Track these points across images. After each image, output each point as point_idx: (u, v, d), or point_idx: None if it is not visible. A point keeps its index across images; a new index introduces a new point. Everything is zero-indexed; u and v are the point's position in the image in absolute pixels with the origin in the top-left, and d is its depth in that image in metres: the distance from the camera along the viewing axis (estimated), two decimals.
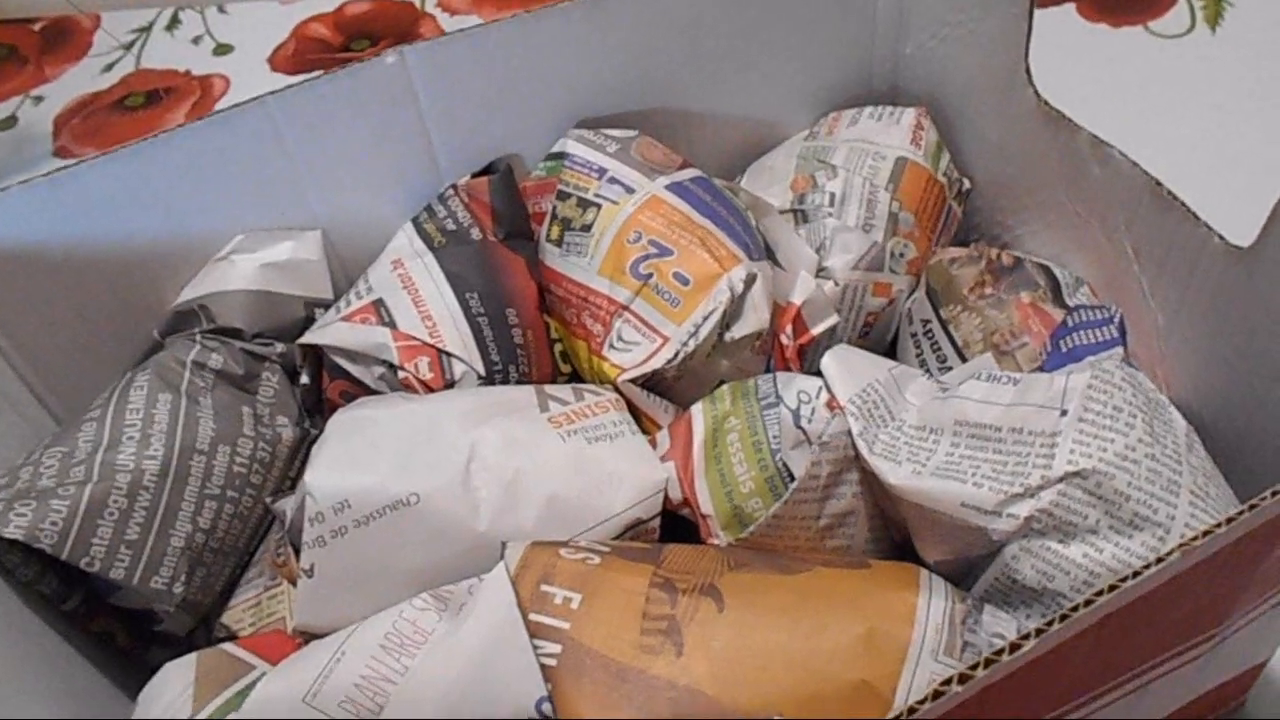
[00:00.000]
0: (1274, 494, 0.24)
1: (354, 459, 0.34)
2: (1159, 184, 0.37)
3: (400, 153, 0.44)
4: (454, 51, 0.42)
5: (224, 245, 0.43)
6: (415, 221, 0.44)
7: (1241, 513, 0.24)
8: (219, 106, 0.76)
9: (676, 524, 0.36)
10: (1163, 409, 0.33)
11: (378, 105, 0.42)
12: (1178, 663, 0.30)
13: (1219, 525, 0.24)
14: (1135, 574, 0.23)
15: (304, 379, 0.42)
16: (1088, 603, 0.23)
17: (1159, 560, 0.24)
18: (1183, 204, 0.36)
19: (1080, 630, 0.23)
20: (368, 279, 0.43)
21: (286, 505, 0.36)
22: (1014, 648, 0.23)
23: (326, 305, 0.44)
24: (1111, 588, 0.23)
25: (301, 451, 0.42)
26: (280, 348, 0.43)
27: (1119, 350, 0.35)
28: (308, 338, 0.41)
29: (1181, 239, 0.37)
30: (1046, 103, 0.42)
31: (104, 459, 0.36)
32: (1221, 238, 0.35)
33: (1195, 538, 0.24)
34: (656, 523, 0.36)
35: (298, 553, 0.34)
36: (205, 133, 0.41)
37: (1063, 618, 0.23)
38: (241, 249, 0.43)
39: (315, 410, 0.43)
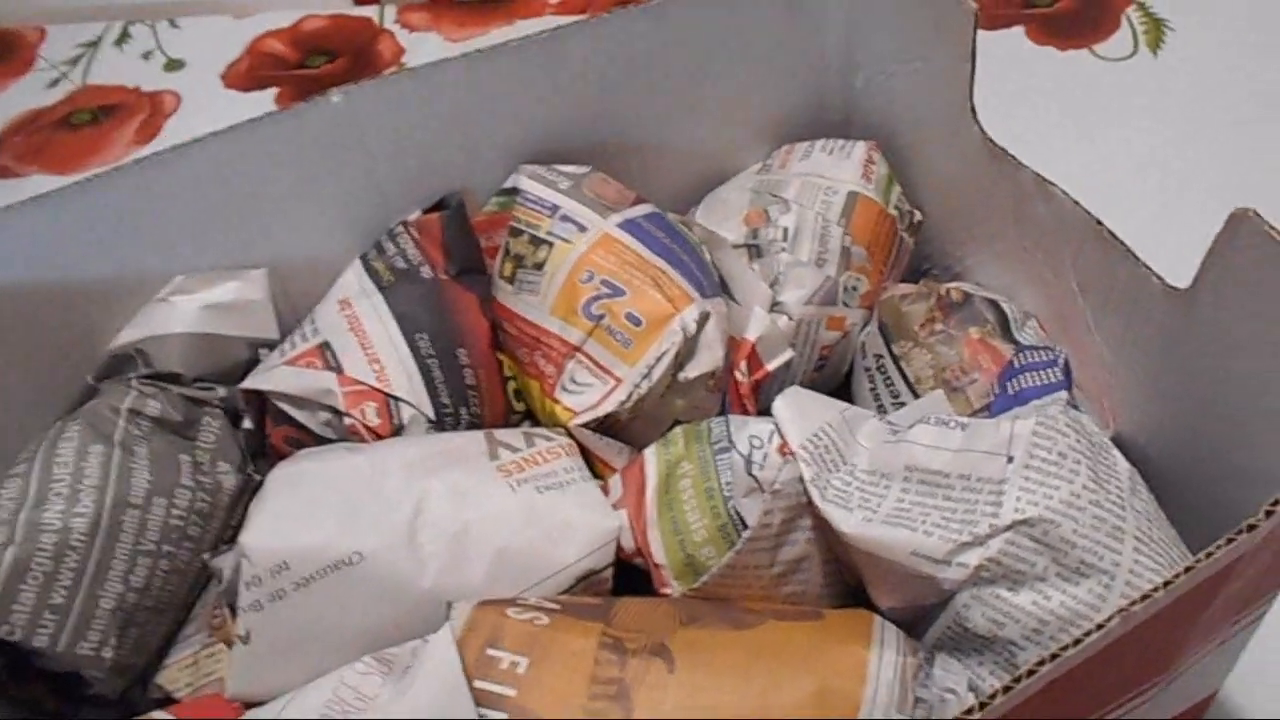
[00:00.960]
0: (1208, 555, 0.24)
1: (293, 517, 0.33)
2: (1100, 223, 0.38)
3: (348, 190, 0.43)
4: (401, 90, 0.41)
5: (163, 286, 0.42)
6: (364, 259, 0.43)
7: (1178, 576, 0.24)
8: (166, 128, 0.74)
9: (629, 572, 0.36)
10: (1106, 452, 0.33)
11: (324, 144, 0.41)
12: (1126, 709, 0.30)
13: (1157, 590, 0.24)
14: (1078, 641, 0.23)
15: (247, 424, 0.41)
16: (1031, 672, 0.23)
17: (1100, 626, 0.24)
18: (1123, 244, 0.37)
19: (1025, 699, 0.23)
20: (314, 320, 0.42)
21: (224, 563, 0.35)
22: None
23: (273, 346, 0.43)
24: (1055, 655, 0.23)
25: (245, 498, 0.41)
26: (222, 392, 0.41)
27: (1063, 394, 0.36)
28: (249, 383, 0.40)
29: (1123, 277, 0.37)
30: (991, 140, 0.42)
31: (28, 518, 0.34)
32: (1159, 278, 0.35)
33: (1135, 602, 0.24)
34: (609, 573, 0.35)
35: (234, 612, 0.33)
36: (145, 174, 0.39)
37: (1008, 687, 0.23)
38: (181, 290, 0.42)
39: (260, 454, 0.42)
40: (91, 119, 0.75)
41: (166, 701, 0.36)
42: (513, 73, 0.42)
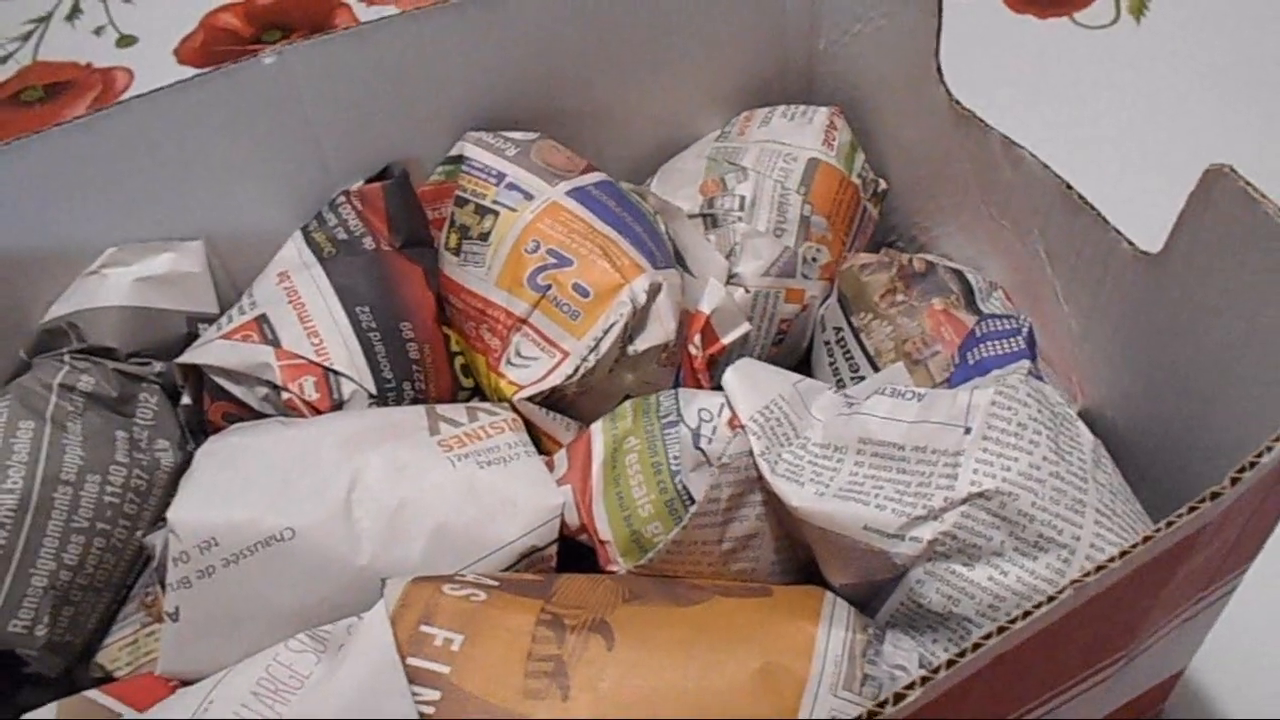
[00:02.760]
0: (1168, 525, 0.23)
1: (222, 492, 0.31)
2: (1069, 187, 0.36)
3: (287, 158, 0.41)
4: (338, 51, 0.39)
5: (95, 258, 0.40)
6: (305, 230, 0.42)
7: (1135, 546, 0.23)
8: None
9: (575, 550, 0.34)
10: (1069, 424, 0.31)
11: (259, 109, 0.40)
12: (1087, 685, 0.29)
13: (1112, 560, 0.23)
14: (1027, 614, 0.22)
15: (185, 399, 0.39)
16: (976, 646, 0.22)
17: (1051, 599, 0.22)
18: (1093, 208, 0.35)
19: (977, 670, 0.22)
20: (251, 293, 0.40)
21: (157, 540, 0.33)
22: (898, 698, 0.21)
23: (212, 320, 0.41)
24: (1002, 629, 0.22)
25: None
26: (159, 367, 0.40)
27: (1025, 363, 0.34)
28: (185, 357, 0.39)
29: (1092, 243, 0.36)
30: (958, 102, 0.40)
31: None
32: (1130, 243, 0.34)
33: (1089, 574, 0.22)
34: (553, 550, 0.34)
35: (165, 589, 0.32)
36: (68, 139, 0.37)
37: (952, 661, 0.21)
38: (114, 262, 0.40)
39: (200, 431, 0.40)
40: (42, 96, 0.73)
41: (106, 680, 0.35)
42: (458, 31, 0.40)
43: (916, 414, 0.31)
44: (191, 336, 0.41)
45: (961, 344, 0.36)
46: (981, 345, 0.36)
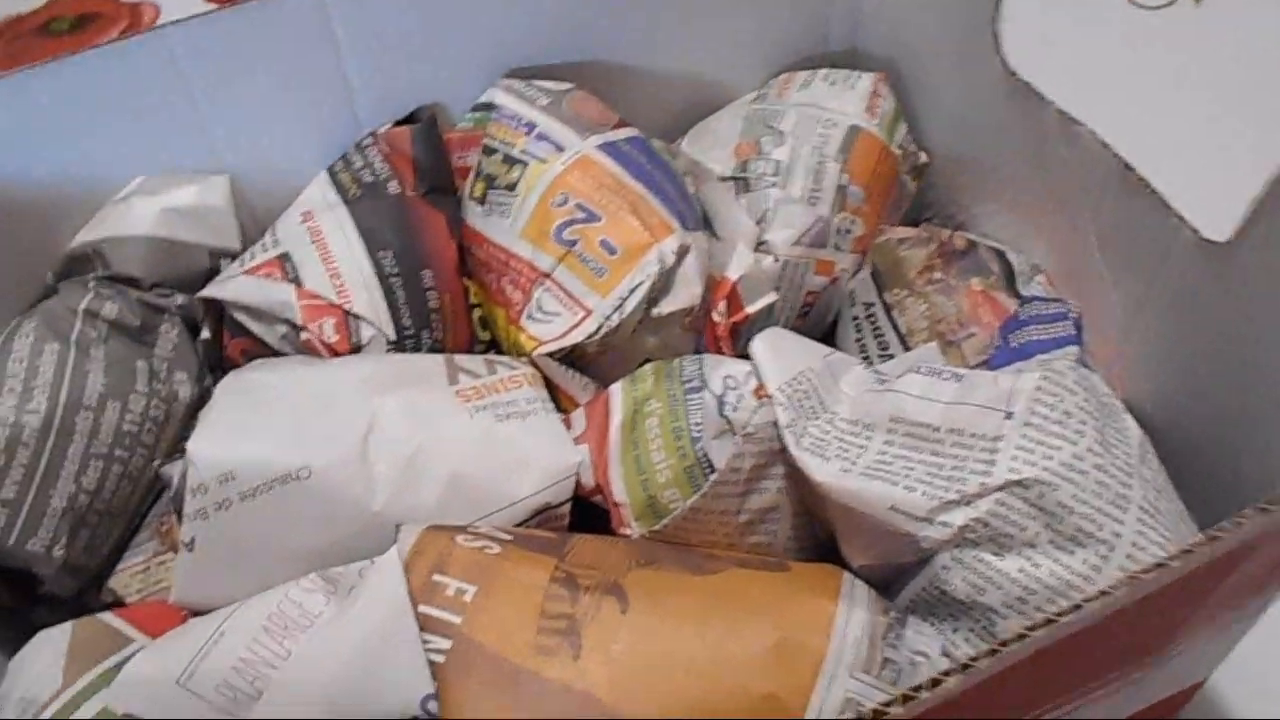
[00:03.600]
0: (1236, 524, 0.21)
1: (242, 427, 0.30)
2: (1129, 168, 0.33)
3: (316, 97, 0.39)
4: None
5: (123, 187, 0.38)
6: (330, 171, 0.40)
7: (1200, 545, 0.20)
8: None
9: (588, 511, 0.33)
10: (1116, 415, 0.29)
11: (291, 44, 0.37)
12: (1113, 687, 0.27)
13: (1171, 559, 0.20)
14: (1076, 607, 0.20)
15: (205, 334, 0.38)
16: (1020, 636, 0.20)
17: (1102, 594, 0.20)
18: (1154, 191, 0.32)
19: (1015, 662, 0.20)
20: (275, 231, 0.38)
21: (174, 470, 0.32)
22: (935, 683, 0.19)
23: (234, 256, 0.39)
24: (1049, 621, 0.20)
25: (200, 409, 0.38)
26: (181, 299, 0.38)
27: (1074, 349, 0.32)
28: (207, 291, 0.37)
29: (1150, 229, 0.33)
30: (1014, 73, 0.37)
31: None
32: (1195, 230, 0.31)
33: (1143, 571, 0.20)
34: (567, 509, 0.32)
35: (181, 520, 0.30)
36: (98, 63, 0.35)
37: (992, 652, 0.19)
38: (142, 191, 0.38)
39: (218, 367, 0.39)
40: (71, 27, 0.71)
41: (118, 605, 0.34)
42: None
43: (954, 395, 0.29)
44: (213, 271, 0.39)
45: (1003, 325, 0.34)
46: (1026, 328, 0.33)
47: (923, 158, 0.42)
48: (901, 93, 0.43)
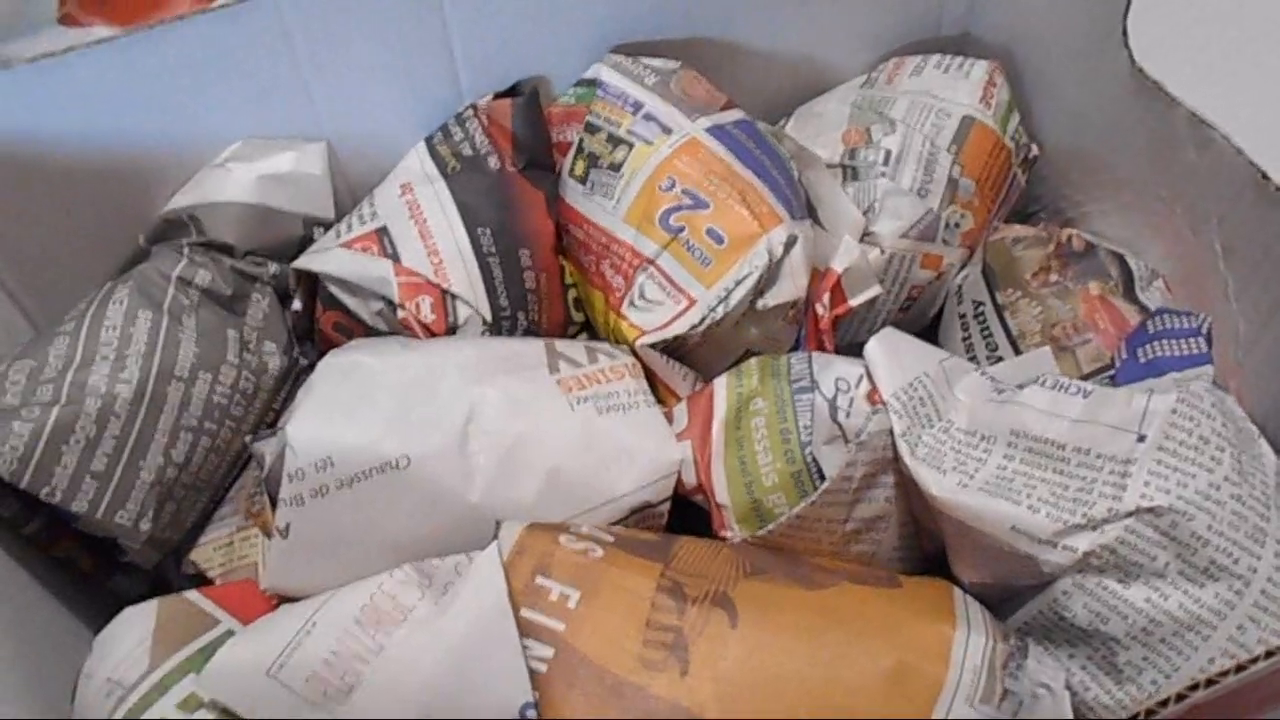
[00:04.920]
0: None
1: (342, 411, 0.29)
2: (1266, 177, 0.30)
3: (419, 65, 0.37)
4: None
5: (221, 151, 0.37)
6: (429, 142, 0.38)
7: None
8: None
9: (685, 509, 0.31)
10: (1253, 442, 0.27)
11: (399, 10, 0.35)
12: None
13: None
14: (1269, 654, 0.18)
15: (296, 304, 0.36)
16: (1180, 697, 0.18)
17: (1269, 655, 0.18)
18: None
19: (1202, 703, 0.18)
20: (373, 202, 0.36)
21: (267, 449, 0.31)
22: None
23: (328, 225, 0.38)
24: (1210, 681, 0.18)
25: (289, 382, 0.37)
26: (274, 268, 0.37)
27: (1208, 369, 0.29)
28: (302, 262, 0.35)
29: None
30: (1142, 70, 0.34)
31: (74, 379, 0.31)
32: None
33: None
34: (666, 507, 0.30)
35: (274, 502, 0.29)
36: (207, 27, 0.34)
37: (1197, 685, 0.18)
38: (239, 157, 0.37)
39: (307, 338, 0.38)
40: None
41: (199, 579, 0.34)
42: None
43: (1082, 412, 0.27)
44: (307, 240, 0.37)
45: (1130, 338, 0.31)
46: (1156, 343, 0.31)
47: (1034, 151, 0.39)
48: (1014, 80, 0.40)
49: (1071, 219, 0.40)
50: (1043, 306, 0.34)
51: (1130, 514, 0.25)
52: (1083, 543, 0.25)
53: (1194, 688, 0.18)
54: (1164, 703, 0.18)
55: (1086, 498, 0.26)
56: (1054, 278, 0.34)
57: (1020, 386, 0.28)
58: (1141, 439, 0.26)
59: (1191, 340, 0.30)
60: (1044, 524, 0.26)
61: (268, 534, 0.30)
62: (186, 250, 0.35)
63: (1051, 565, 0.26)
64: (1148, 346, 0.31)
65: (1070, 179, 0.39)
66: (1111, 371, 0.32)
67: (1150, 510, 0.25)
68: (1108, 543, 0.25)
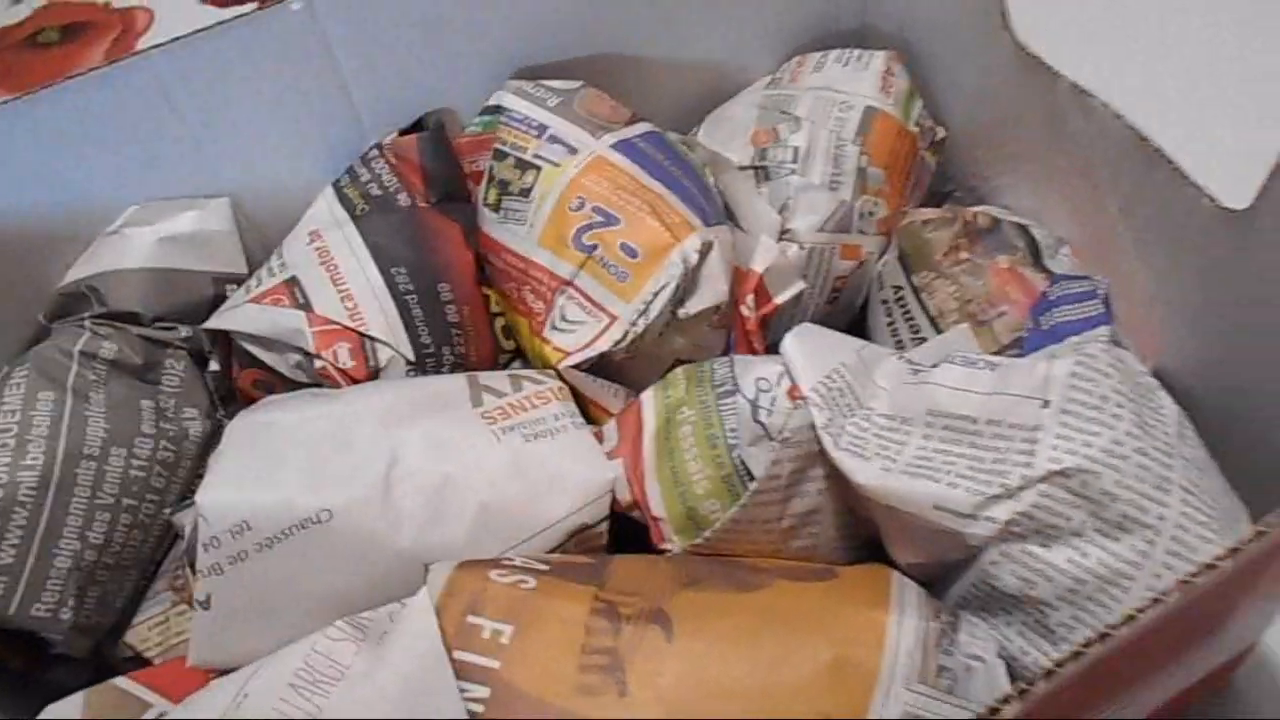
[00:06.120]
0: (1266, 527, 0.21)
1: (254, 472, 0.30)
2: (1144, 139, 0.33)
3: (316, 110, 0.38)
4: None
5: (116, 218, 0.38)
6: (336, 186, 0.39)
7: (1247, 543, 0.21)
8: (140, 47, 0.68)
9: (629, 526, 0.33)
10: (1152, 394, 0.29)
11: (286, 58, 0.37)
12: (1168, 673, 0.27)
13: (1223, 559, 0.20)
14: (1156, 600, 0.20)
15: (214, 365, 0.37)
16: (1077, 655, 0.20)
17: (1156, 600, 0.20)
18: (1170, 161, 0.32)
19: (1071, 681, 0.20)
20: (282, 254, 0.38)
21: (185, 520, 0.31)
22: (1022, 693, 0.19)
23: (240, 281, 0.39)
24: (1103, 635, 0.20)
25: (215, 445, 0.37)
26: (185, 331, 0.37)
27: (1105, 329, 0.32)
28: (212, 322, 0.36)
29: (1169, 198, 0.33)
30: (1024, 47, 0.37)
31: None
32: (1211, 199, 0.31)
33: (1196, 574, 0.20)
34: (604, 527, 0.32)
35: (195, 573, 0.30)
36: (82, 93, 0.35)
37: (1048, 674, 0.20)
38: (135, 221, 0.38)
39: (230, 399, 0.39)
40: (59, 38, 0.69)
41: (137, 660, 0.34)
42: None
43: (990, 385, 0.29)
44: (219, 299, 0.38)
45: (1034, 307, 0.34)
46: (1056, 309, 0.33)
47: (940, 133, 0.42)
48: (915, 69, 0.42)
49: (984, 195, 0.42)
50: (957, 285, 0.36)
51: (1042, 479, 0.27)
52: (1002, 512, 0.27)
53: (1087, 645, 0.20)
54: (1061, 664, 0.20)
55: (1001, 468, 0.28)
56: (964, 255, 0.36)
57: (934, 366, 0.30)
58: (1046, 405, 0.28)
59: (1089, 303, 0.32)
60: (964, 498, 0.28)
61: (192, 607, 0.31)
62: (89, 323, 0.36)
63: (976, 538, 0.28)
64: (1049, 313, 0.33)
65: (976, 157, 0.42)
66: None
67: (1060, 473, 0.27)
68: (1025, 509, 0.27)
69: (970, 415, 0.29)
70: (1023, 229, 0.37)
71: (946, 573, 0.29)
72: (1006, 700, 0.19)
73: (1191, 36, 0.58)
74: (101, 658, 0.34)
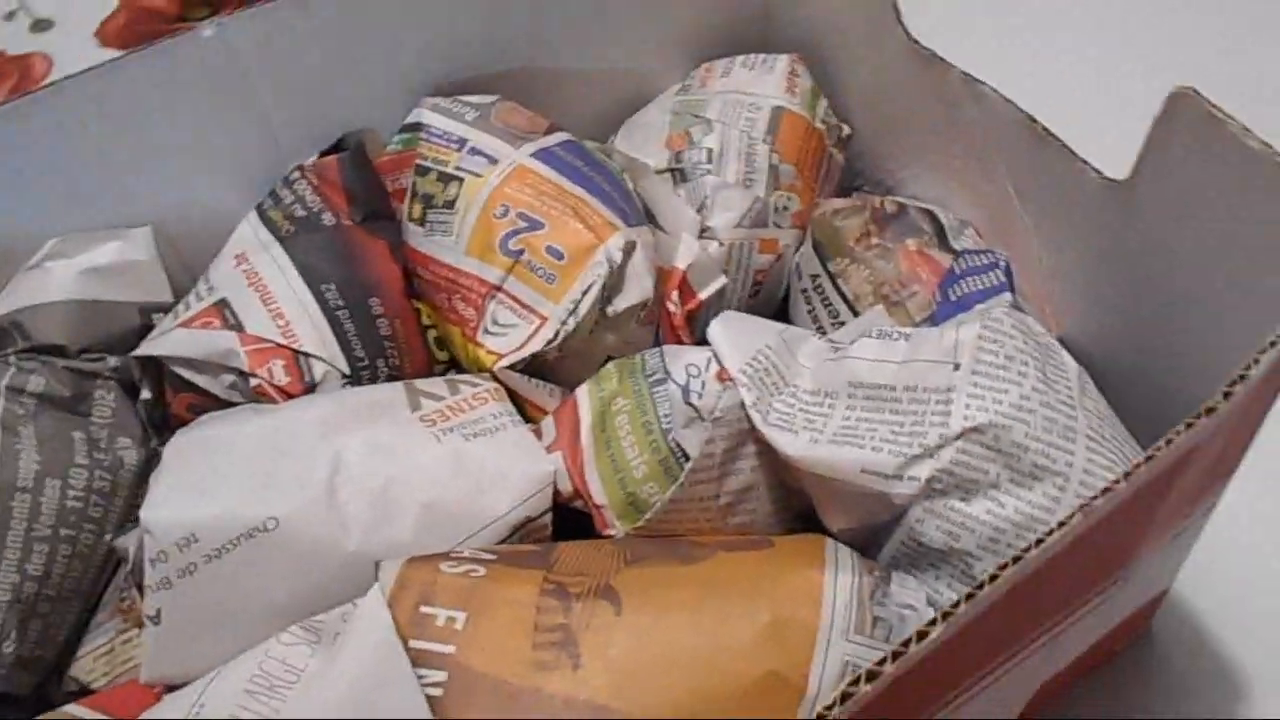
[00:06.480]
0: (1167, 442, 0.23)
1: (197, 486, 0.30)
2: (1032, 120, 0.36)
3: (234, 135, 0.39)
4: (281, 19, 0.37)
5: (36, 252, 0.38)
6: (259, 209, 0.40)
7: (1137, 466, 0.23)
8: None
9: (571, 517, 0.34)
10: (1054, 353, 0.31)
11: (200, 84, 0.37)
12: (1086, 609, 0.29)
13: (1117, 482, 0.22)
14: (1039, 541, 0.22)
15: (145, 394, 0.37)
16: (993, 578, 0.22)
17: (1062, 524, 0.22)
18: (1057, 139, 0.35)
19: (993, 602, 0.22)
20: (209, 278, 0.38)
21: (129, 542, 0.32)
22: (921, 636, 0.21)
23: (166, 309, 0.39)
24: (1017, 558, 0.22)
25: (150, 473, 0.38)
26: (114, 362, 0.38)
27: (1006, 295, 0.34)
28: (142, 349, 0.37)
29: (1059, 175, 0.36)
30: (917, 43, 0.40)
31: None
32: (1097, 172, 0.34)
33: (1095, 497, 0.22)
34: (548, 519, 0.33)
35: (142, 591, 0.30)
36: None
37: (968, 597, 0.21)
38: (56, 254, 0.38)
39: (165, 427, 0.39)
40: None
41: (83, 693, 0.34)
42: None
43: (905, 354, 0.31)
44: (146, 328, 0.39)
45: (941, 281, 0.36)
46: (962, 281, 0.36)
47: (845, 130, 0.45)
48: (816, 69, 0.45)
49: (891, 186, 0.45)
50: (869, 269, 0.38)
51: (958, 436, 0.29)
52: (923, 471, 0.29)
53: (980, 586, 0.22)
54: (981, 585, 0.21)
55: (919, 429, 0.30)
56: (875, 241, 0.39)
57: (852, 342, 0.33)
58: (957, 368, 0.30)
59: (990, 273, 0.35)
60: (888, 460, 0.30)
61: (141, 627, 0.31)
62: (13, 358, 0.36)
63: (902, 497, 0.30)
64: (956, 285, 0.36)
65: (882, 149, 0.44)
66: None
67: (974, 429, 0.29)
68: (944, 466, 0.29)
69: (888, 384, 0.31)
70: (928, 213, 0.40)
71: (876, 535, 0.31)
72: (933, 623, 0.21)
73: (1075, 19, 0.63)
74: (45, 699, 0.34)
